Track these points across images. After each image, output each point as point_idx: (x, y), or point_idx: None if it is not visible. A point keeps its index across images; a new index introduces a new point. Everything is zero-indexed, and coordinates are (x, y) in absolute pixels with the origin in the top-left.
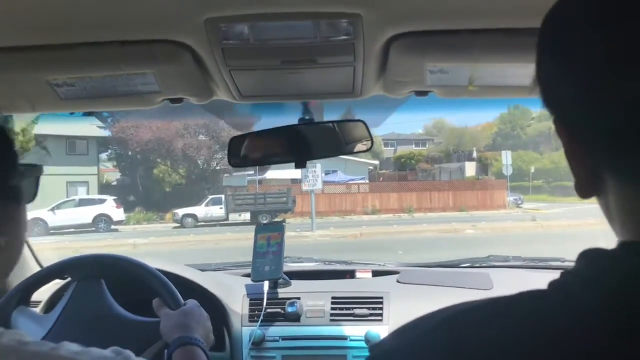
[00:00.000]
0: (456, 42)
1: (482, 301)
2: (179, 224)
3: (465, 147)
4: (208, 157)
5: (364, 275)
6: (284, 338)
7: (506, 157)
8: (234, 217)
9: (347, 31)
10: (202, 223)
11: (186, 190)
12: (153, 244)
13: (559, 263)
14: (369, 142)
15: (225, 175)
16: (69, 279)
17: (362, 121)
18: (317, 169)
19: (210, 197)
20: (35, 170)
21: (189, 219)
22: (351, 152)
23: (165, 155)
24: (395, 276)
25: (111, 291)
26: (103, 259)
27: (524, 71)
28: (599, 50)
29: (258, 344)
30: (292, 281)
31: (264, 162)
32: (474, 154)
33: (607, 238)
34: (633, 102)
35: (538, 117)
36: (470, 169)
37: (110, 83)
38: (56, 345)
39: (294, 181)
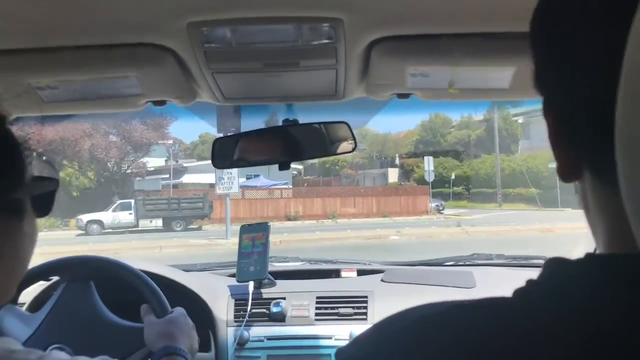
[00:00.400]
0: (436, 46)
1: (448, 304)
2: (83, 231)
3: (388, 153)
4: (119, 160)
5: (349, 274)
6: (269, 338)
7: (428, 163)
8: (144, 223)
9: (328, 35)
10: (110, 230)
11: (95, 195)
12: (45, 254)
13: (541, 261)
14: (353, 143)
15: (137, 178)
16: (52, 280)
17: (345, 122)
18: (234, 171)
19: (119, 201)
20: (48, 184)
21: (94, 226)
22: (336, 153)
23: (72, 157)
24: (380, 275)
25: (100, 291)
26: (92, 261)
27: (502, 74)
28: (583, 43)
29: (243, 344)
30: (277, 281)
31: (249, 163)
32: (397, 161)
33: (539, 243)
34: (603, 98)
35: (458, 125)
36: (392, 175)
37: (94, 86)
38: (43, 355)
39: (213, 185)
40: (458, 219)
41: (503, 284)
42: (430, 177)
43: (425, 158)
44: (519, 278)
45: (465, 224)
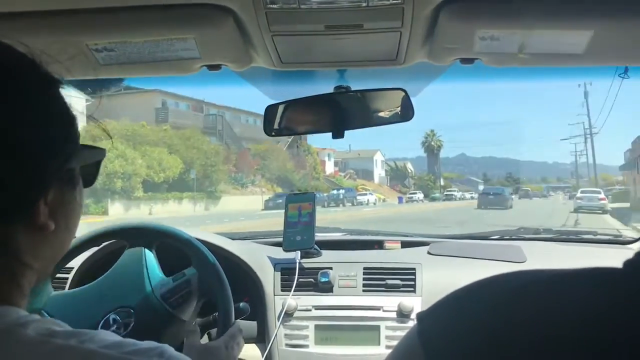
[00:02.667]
0: (509, 7)
1: (547, 273)
2: None
3: None
4: None
5: (392, 246)
6: (317, 307)
7: None
8: None
9: None
10: None
11: None
12: None
13: (590, 236)
14: (410, 112)
15: None
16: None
17: (403, 90)
18: None
19: None
20: (97, 153)
21: None
22: (390, 122)
23: None
24: (426, 247)
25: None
26: (174, 235)
27: (577, 39)
28: None
29: (290, 313)
30: (322, 251)
31: (301, 131)
32: None
33: None
34: None
35: None
36: None
37: (150, 48)
38: (88, 337)
39: None
40: None
41: (553, 258)
42: None
43: None
44: (568, 253)
45: None
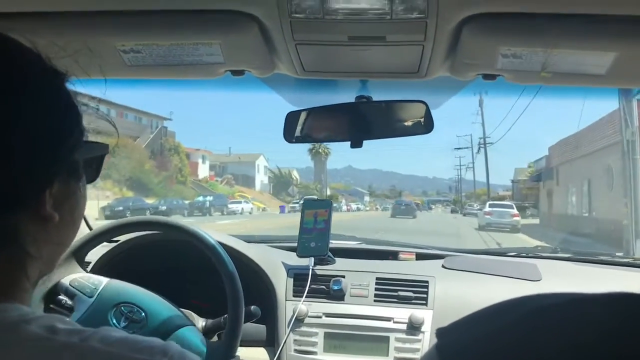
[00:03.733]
0: (533, 25)
1: (565, 296)
2: None
3: None
4: None
5: (407, 257)
6: (328, 315)
7: None
8: None
9: (421, 10)
10: None
11: None
12: None
13: (608, 258)
14: (430, 125)
15: None
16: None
17: (423, 102)
18: None
19: None
20: (100, 148)
21: None
22: (410, 134)
23: None
24: (440, 261)
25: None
26: (199, 237)
27: (601, 60)
28: None
29: (301, 319)
30: (336, 258)
31: (320, 139)
32: None
33: None
34: None
35: None
36: None
37: (176, 52)
38: (90, 334)
39: None
40: None
41: (569, 278)
42: None
43: None
44: (585, 274)
45: None
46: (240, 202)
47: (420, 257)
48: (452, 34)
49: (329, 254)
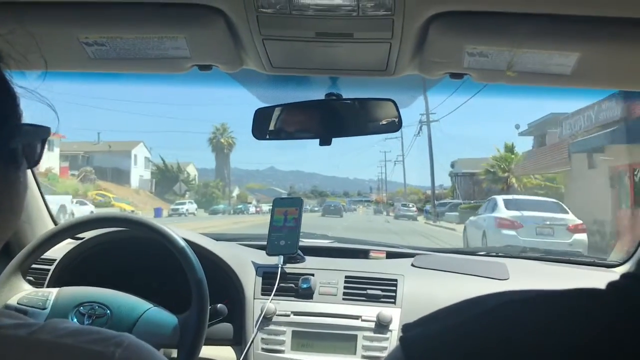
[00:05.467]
0: (499, 24)
1: (531, 293)
2: None
3: None
4: None
5: (378, 255)
6: (296, 313)
7: None
8: None
9: (388, 7)
10: None
11: None
12: None
13: (577, 258)
14: (398, 122)
15: None
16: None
17: (392, 100)
18: None
19: None
20: (41, 132)
21: None
22: (379, 132)
23: None
24: (410, 259)
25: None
26: (165, 235)
27: (566, 60)
28: None
29: (269, 317)
30: (306, 257)
31: (288, 136)
32: None
33: None
34: None
35: None
36: None
37: (141, 45)
38: (40, 327)
39: None
40: None
41: (536, 277)
42: None
43: None
44: (551, 273)
45: None
46: (87, 204)
47: (390, 255)
48: (419, 31)
49: (299, 252)
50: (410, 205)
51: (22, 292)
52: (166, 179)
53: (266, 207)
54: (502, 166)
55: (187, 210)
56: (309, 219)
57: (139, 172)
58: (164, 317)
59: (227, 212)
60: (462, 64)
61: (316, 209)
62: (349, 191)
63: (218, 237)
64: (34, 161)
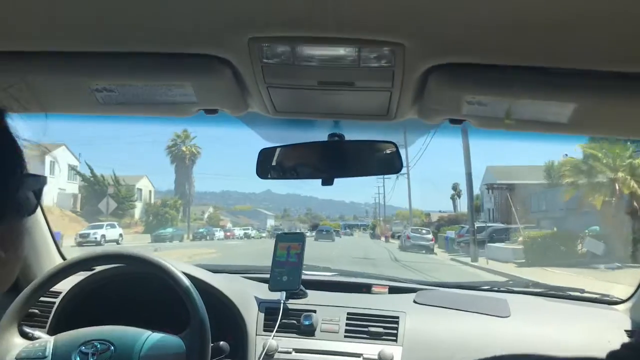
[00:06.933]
0: (496, 76)
1: None
2: None
3: None
4: None
5: (380, 290)
6: (297, 351)
7: None
8: None
9: (388, 59)
10: None
11: None
12: None
13: (578, 294)
14: (399, 164)
15: None
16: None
17: (393, 142)
18: None
19: None
20: (38, 182)
21: None
22: (379, 173)
23: None
24: (412, 295)
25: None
26: (170, 274)
27: (562, 109)
28: None
29: (271, 354)
30: (308, 291)
31: (292, 176)
32: None
33: None
34: None
35: None
36: None
37: (149, 92)
38: None
39: None
40: None
41: (538, 314)
42: None
43: None
44: (554, 310)
45: None
46: None
47: (392, 290)
48: (419, 81)
49: (302, 287)
50: (424, 231)
51: (18, 348)
52: (96, 194)
53: (240, 232)
54: (604, 162)
55: (101, 236)
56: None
57: (59, 185)
58: (167, 339)
59: (178, 237)
60: (462, 111)
61: (307, 234)
62: (345, 215)
63: (222, 269)
64: (33, 210)
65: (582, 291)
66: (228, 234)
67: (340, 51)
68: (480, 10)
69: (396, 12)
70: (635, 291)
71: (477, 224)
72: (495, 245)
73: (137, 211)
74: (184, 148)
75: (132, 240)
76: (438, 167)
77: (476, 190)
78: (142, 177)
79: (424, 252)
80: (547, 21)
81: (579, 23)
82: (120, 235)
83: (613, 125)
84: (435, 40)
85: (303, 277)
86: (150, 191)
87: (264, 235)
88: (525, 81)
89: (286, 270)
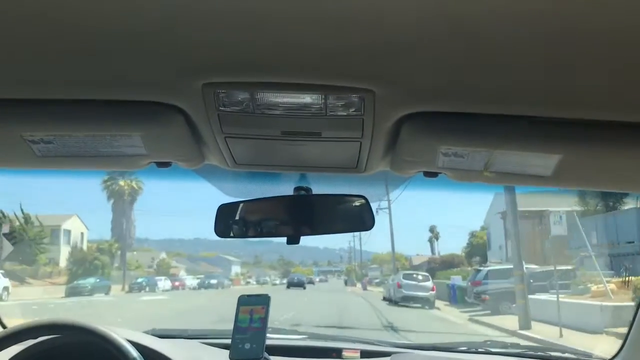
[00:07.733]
0: (474, 126)
1: None
2: None
3: None
4: None
5: (351, 355)
6: None
7: None
8: None
9: (357, 107)
10: None
11: None
12: None
13: (558, 354)
14: (370, 221)
15: None
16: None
17: (363, 197)
18: None
19: None
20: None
21: None
22: (349, 230)
23: None
24: (387, 359)
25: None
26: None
27: (547, 161)
28: None
29: None
30: (274, 358)
31: (254, 234)
32: None
33: None
34: None
35: None
36: None
37: (92, 143)
38: None
39: None
40: None
41: None
42: None
43: None
44: None
45: None
46: None
47: (365, 354)
48: (391, 131)
49: (265, 355)
50: (420, 277)
51: None
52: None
53: (193, 282)
54: None
55: None
56: (273, 293)
57: None
58: None
59: (103, 289)
60: (437, 164)
61: (277, 281)
62: (319, 261)
63: (177, 334)
64: None
65: (563, 351)
66: (177, 283)
67: (305, 98)
68: (455, 53)
69: (364, 55)
70: (619, 352)
71: (492, 265)
72: (541, 297)
73: (63, 257)
74: (121, 182)
75: (31, 294)
76: (412, 209)
77: (479, 223)
78: (72, 217)
79: (421, 305)
80: (529, 67)
81: (565, 68)
82: (5, 288)
83: (601, 179)
84: (408, 86)
85: (268, 341)
86: (82, 233)
87: (250, 281)
88: (507, 131)
89: (249, 337)
